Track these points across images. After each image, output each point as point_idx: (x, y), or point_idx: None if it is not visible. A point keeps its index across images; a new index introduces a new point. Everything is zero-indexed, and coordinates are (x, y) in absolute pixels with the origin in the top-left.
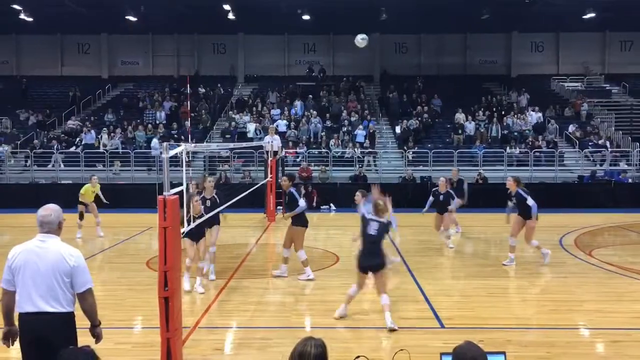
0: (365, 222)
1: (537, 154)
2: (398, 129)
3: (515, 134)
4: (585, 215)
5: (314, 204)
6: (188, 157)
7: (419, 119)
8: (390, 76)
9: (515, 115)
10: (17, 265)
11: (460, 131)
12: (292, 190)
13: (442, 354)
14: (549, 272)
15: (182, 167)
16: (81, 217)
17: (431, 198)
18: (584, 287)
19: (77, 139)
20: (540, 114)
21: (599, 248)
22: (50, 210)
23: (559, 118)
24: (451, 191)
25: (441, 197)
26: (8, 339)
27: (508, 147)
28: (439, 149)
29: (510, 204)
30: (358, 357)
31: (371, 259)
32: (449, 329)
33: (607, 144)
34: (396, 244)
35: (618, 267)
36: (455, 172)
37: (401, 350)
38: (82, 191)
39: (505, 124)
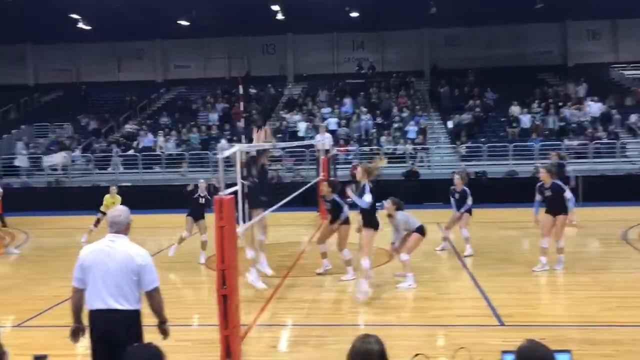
0: None
1: (597, 145)
2: (450, 124)
3: (574, 125)
4: None
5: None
6: (241, 157)
7: (472, 113)
8: (441, 70)
9: (574, 106)
10: (87, 265)
11: (515, 124)
12: (336, 197)
13: (503, 352)
14: (612, 268)
15: (235, 167)
16: (96, 224)
17: (538, 197)
18: None
19: (135, 142)
20: (600, 104)
21: None
22: (120, 211)
23: (619, 108)
24: (467, 189)
25: (456, 196)
26: (76, 335)
27: (566, 139)
28: (493, 142)
29: (539, 197)
30: (417, 355)
31: None
32: (508, 326)
33: None
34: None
35: None
36: (555, 155)
37: (461, 348)
38: (104, 202)
39: (562, 115)
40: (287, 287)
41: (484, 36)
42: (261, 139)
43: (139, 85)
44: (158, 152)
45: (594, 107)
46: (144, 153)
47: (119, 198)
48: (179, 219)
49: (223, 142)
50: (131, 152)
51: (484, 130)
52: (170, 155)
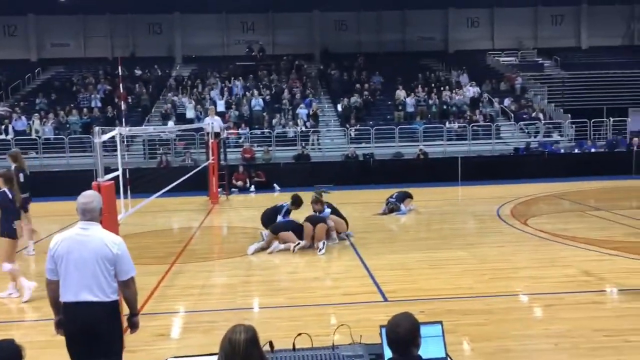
0: None
1: (475, 128)
2: (340, 107)
3: (454, 109)
4: (521, 186)
5: (250, 185)
6: (124, 141)
7: (361, 96)
8: (331, 54)
9: (453, 91)
10: (59, 254)
11: (400, 108)
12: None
13: (381, 326)
14: (487, 242)
15: (117, 151)
16: None
17: None
18: (520, 254)
19: (2, 126)
20: (477, 89)
21: (533, 217)
22: (91, 197)
23: (494, 92)
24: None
25: None
26: (60, 327)
27: (447, 122)
28: (381, 126)
29: None
30: (300, 334)
31: None
32: (391, 301)
33: (541, 116)
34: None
35: (551, 235)
36: None
37: (341, 325)
38: None
39: (443, 99)
40: (175, 274)
41: (373, 21)
42: None
43: (10, 64)
44: (34, 137)
45: (472, 92)
46: (17, 137)
47: None
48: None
49: (171, 123)
50: (1, 136)
51: (372, 114)
52: (47, 139)
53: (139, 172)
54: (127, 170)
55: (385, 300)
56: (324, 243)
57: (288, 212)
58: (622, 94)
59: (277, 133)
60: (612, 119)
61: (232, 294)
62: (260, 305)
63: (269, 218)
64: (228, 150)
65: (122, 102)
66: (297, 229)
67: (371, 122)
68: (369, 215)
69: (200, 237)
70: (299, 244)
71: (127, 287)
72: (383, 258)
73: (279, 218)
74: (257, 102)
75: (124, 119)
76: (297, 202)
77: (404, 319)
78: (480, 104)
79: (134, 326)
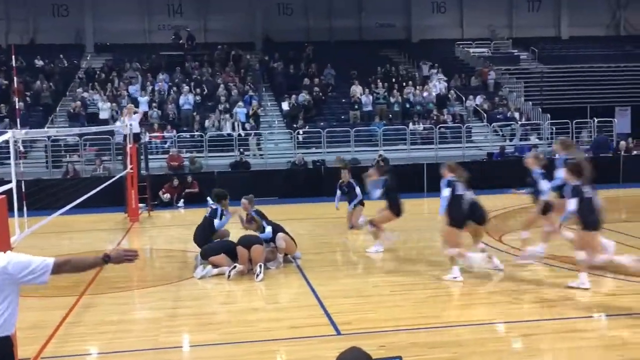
0: None
1: (442, 130)
2: (285, 105)
3: (418, 108)
4: (496, 197)
5: (178, 198)
6: (19, 147)
7: (310, 93)
8: (274, 43)
9: (417, 87)
10: None
11: (356, 106)
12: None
13: None
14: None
15: (11, 159)
16: None
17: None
18: (494, 276)
19: None
20: (444, 85)
21: (509, 233)
22: None
23: (464, 89)
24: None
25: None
26: None
27: (411, 124)
28: (334, 127)
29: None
30: None
31: None
32: (346, 335)
33: (517, 116)
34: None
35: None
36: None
37: None
38: None
39: (406, 97)
40: (84, 308)
41: (323, 5)
42: None
43: None
44: None
45: (439, 88)
46: None
47: None
48: None
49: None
50: None
51: (323, 113)
52: None
53: (39, 183)
54: (23, 182)
55: (339, 333)
56: (261, 267)
57: (222, 212)
58: (608, 91)
59: (210, 137)
60: (596, 120)
61: (155, 330)
62: (191, 343)
63: (203, 234)
64: (151, 157)
65: (18, 99)
66: (233, 251)
67: (322, 124)
68: (320, 232)
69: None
70: (234, 267)
71: (61, 271)
72: (336, 283)
73: (217, 223)
74: (186, 100)
75: (19, 120)
76: (221, 195)
77: (352, 356)
78: (448, 103)
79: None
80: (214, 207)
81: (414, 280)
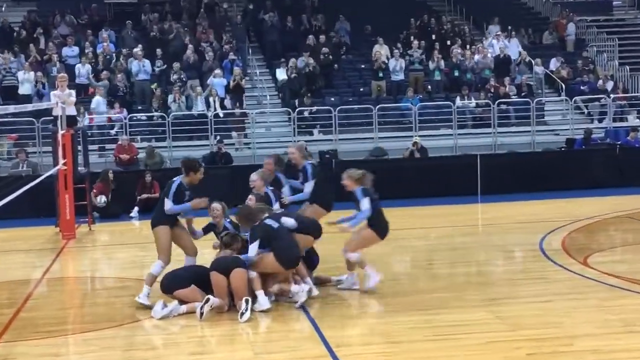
0: None
1: (504, 107)
2: (281, 74)
3: (469, 76)
4: (579, 201)
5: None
6: None
7: (315, 56)
8: None
9: (468, 47)
10: None
11: (381, 75)
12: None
13: None
14: (523, 295)
15: None
16: None
17: None
18: (577, 314)
19: None
20: (505, 43)
21: (599, 252)
22: None
23: (534, 49)
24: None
25: None
26: None
27: (458, 98)
28: (349, 104)
29: None
30: None
31: None
32: None
33: (609, 87)
34: None
35: (627, 281)
36: None
37: None
38: None
39: (453, 60)
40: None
41: None
42: None
43: None
44: None
45: (498, 48)
46: None
47: None
48: None
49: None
50: None
51: (334, 85)
52: None
53: None
54: None
55: None
56: (247, 302)
57: (181, 191)
58: None
59: (176, 118)
60: None
61: None
62: None
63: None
64: (92, 148)
65: None
66: (205, 280)
67: (333, 99)
68: (329, 250)
69: (44, 296)
70: (208, 300)
71: None
72: (352, 324)
73: (168, 204)
74: (142, 68)
75: None
76: (190, 166)
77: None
78: (513, 69)
79: None
80: (174, 181)
81: (463, 318)
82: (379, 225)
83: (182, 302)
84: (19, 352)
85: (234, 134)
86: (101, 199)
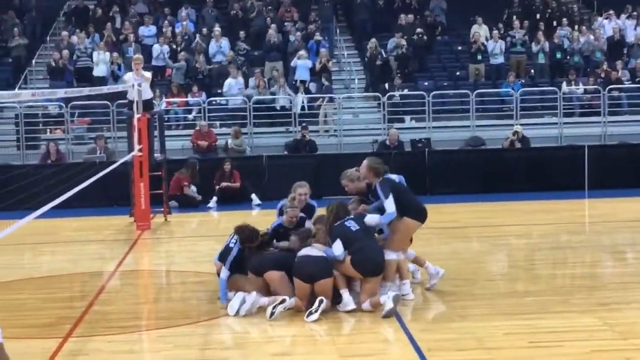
0: None
1: (615, 94)
2: (370, 57)
3: (577, 60)
4: None
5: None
6: None
7: (407, 37)
8: None
9: (576, 28)
10: None
11: (480, 57)
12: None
13: None
14: (636, 299)
15: None
16: None
17: None
18: None
19: None
20: (619, 23)
21: None
22: None
23: None
24: None
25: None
26: None
27: (565, 84)
28: (444, 89)
29: None
30: None
31: None
32: None
33: None
34: None
35: None
36: None
37: None
38: None
39: (558, 42)
40: (71, 356)
41: None
42: None
43: None
44: None
45: (610, 29)
46: None
47: None
48: None
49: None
50: None
51: (428, 68)
52: None
53: (6, 171)
54: None
55: None
56: (320, 302)
57: (240, 255)
58: None
59: (256, 104)
60: None
61: None
62: None
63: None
64: (168, 133)
65: None
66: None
67: (426, 84)
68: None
69: (117, 290)
70: (283, 301)
71: None
72: (444, 327)
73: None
74: (220, 50)
75: None
76: (245, 235)
77: None
78: (626, 51)
79: None
80: (232, 244)
81: (566, 324)
82: (410, 210)
83: (267, 292)
84: (92, 348)
85: (319, 120)
86: (194, 190)
